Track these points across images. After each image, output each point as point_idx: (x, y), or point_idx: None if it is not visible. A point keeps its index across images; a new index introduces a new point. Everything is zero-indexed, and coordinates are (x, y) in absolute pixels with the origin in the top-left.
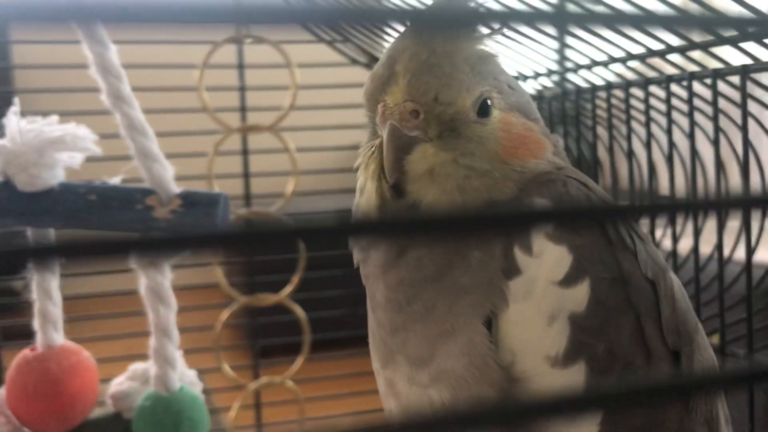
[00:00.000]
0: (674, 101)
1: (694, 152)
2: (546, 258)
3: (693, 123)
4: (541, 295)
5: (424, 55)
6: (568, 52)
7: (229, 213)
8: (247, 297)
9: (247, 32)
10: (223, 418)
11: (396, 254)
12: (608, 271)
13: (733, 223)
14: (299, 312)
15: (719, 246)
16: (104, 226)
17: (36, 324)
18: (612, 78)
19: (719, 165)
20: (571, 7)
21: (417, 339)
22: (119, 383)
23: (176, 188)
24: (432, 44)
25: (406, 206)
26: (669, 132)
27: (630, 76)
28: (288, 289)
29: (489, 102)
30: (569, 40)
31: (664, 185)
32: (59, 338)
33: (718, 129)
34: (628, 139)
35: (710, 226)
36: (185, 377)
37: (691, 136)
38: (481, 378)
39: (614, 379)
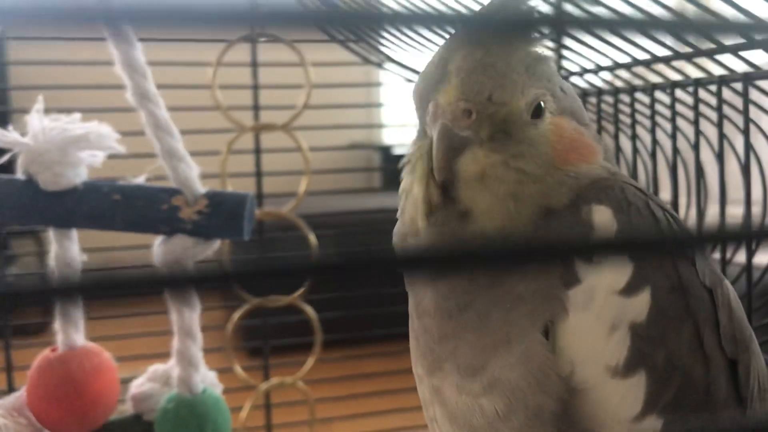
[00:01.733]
0: (678, 107)
1: (698, 159)
2: (606, 267)
3: (698, 130)
4: (602, 304)
5: (479, 54)
6: (573, 56)
7: (254, 213)
8: (258, 298)
9: (262, 31)
10: (234, 418)
11: None
12: (668, 280)
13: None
14: (310, 313)
15: (748, 245)
16: (129, 227)
17: (57, 325)
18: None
19: (722, 170)
20: (569, 8)
21: (469, 347)
22: (140, 384)
23: (202, 188)
24: (486, 44)
25: (455, 214)
26: (673, 137)
27: (636, 81)
28: (300, 290)
29: (542, 104)
30: (573, 44)
31: (665, 192)
32: (80, 339)
33: (722, 135)
34: (633, 141)
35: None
36: (206, 379)
37: (696, 145)
38: (539, 388)
39: (674, 390)
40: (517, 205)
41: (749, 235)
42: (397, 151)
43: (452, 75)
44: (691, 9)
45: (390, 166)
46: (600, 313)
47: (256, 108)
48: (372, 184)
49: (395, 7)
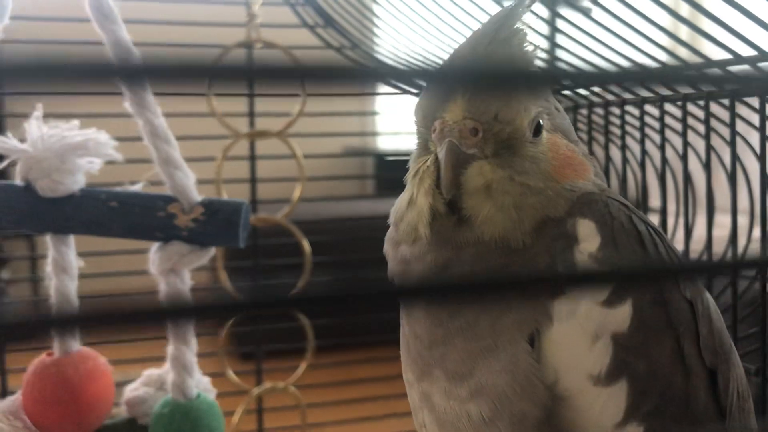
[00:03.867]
0: (667, 120)
1: (686, 171)
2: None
3: (686, 142)
4: (585, 315)
5: None
6: (565, 68)
7: (249, 221)
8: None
9: (258, 37)
10: (226, 422)
11: (440, 269)
12: (649, 292)
13: (723, 232)
14: (303, 318)
15: (734, 253)
16: (125, 234)
17: (54, 329)
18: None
19: (709, 181)
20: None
21: (457, 353)
22: (134, 389)
23: (198, 196)
24: (490, 63)
25: (456, 222)
26: (662, 149)
27: (626, 95)
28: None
29: (541, 122)
30: (565, 55)
31: (654, 202)
32: (76, 344)
33: (709, 147)
34: (623, 151)
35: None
36: (200, 384)
37: (684, 157)
38: (523, 395)
39: (655, 399)
40: (519, 215)
41: (735, 265)
42: (390, 158)
43: (459, 94)
44: (684, 30)
45: (383, 172)
46: (583, 323)
47: (251, 115)
48: (365, 190)
49: (387, 7)
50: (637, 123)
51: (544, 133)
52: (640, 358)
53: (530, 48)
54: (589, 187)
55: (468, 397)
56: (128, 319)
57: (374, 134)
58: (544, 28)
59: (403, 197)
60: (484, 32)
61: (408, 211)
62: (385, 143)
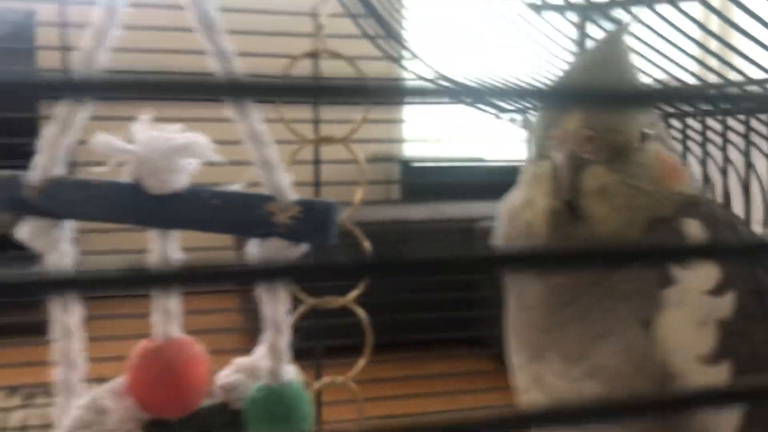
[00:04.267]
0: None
1: (725, 184)
2: (698, 271)
3: (726, 157)
4: (693, 302)
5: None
6: None
7: (338, 220)
8: (314, 299)
9: (323, 47)
10: None
11: None
12: (748, 284)
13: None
14: (362, 315)
15: None
16: (227, 230)
17: (155, 318)
18: None
19: (748, 196)
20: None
21: (572, 338)
22: (226, 375)
23: (294, 195)
24: (605, 78)
25: (573, 220)
26: (704, 164)
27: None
28: (354, 292)
29: (647, 132)
30: None
31: None
32: (176, 331)
33: (749, 164)
34: None
35: None
36: (288, 372)
37: (723, 170)
38: (637, 374)
39: (755, 378)
40: (631, 215)
41: None
42: (416, 164)
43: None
44: (714, 43)
45: (410, 178)
46: (692, 310)
47: (316, 121)
48: (391, 195)
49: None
50: (679, 136)
51: (650, 142)
52: (741, 342)
53: (635, 68)
54: (689, 190)
55: (582, 377)
56: (229, 277)
57: (401, 141)
58: (575, 36)
59: (517, 197)
60: (595, 56)
61: (524, 210)
62: (411, 150)
